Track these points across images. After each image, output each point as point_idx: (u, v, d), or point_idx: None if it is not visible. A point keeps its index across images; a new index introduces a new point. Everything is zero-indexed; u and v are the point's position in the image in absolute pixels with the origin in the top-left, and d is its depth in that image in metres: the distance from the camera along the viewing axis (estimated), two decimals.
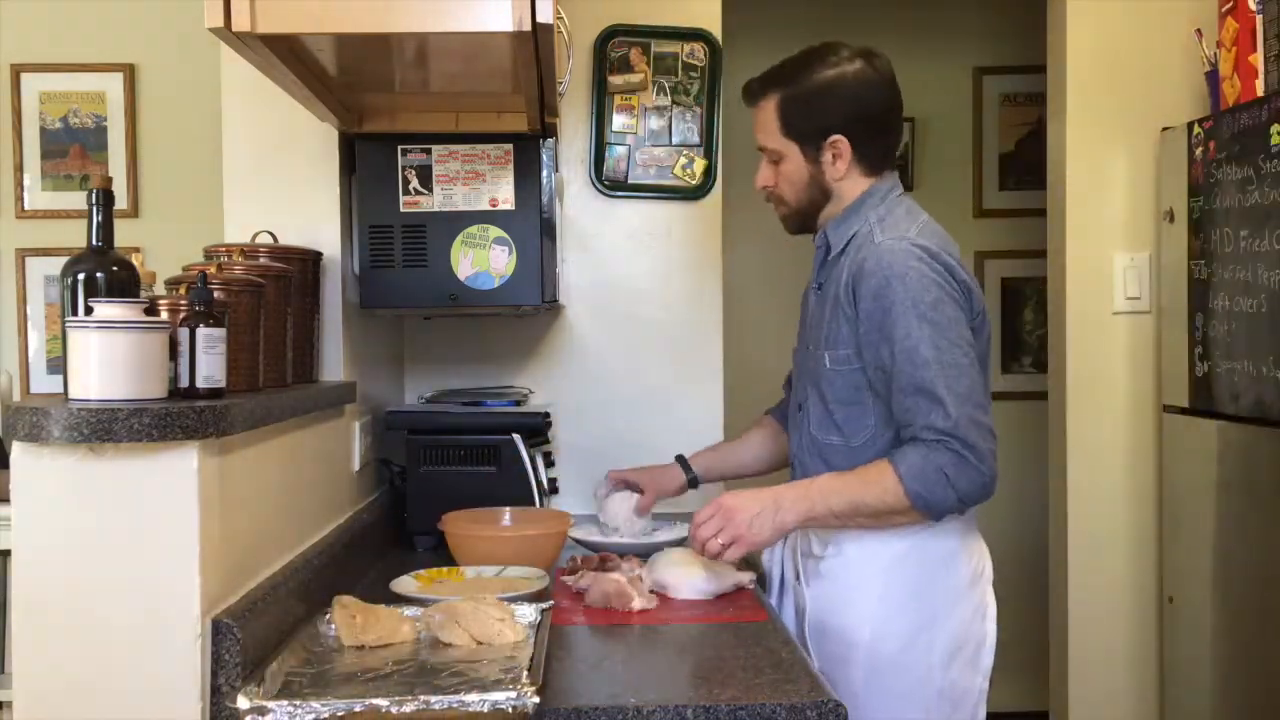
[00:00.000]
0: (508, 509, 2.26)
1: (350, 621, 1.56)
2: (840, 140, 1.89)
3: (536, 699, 1.30)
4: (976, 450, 1.74)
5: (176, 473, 1.37)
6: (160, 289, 1.70)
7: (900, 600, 1.84)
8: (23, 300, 3.51)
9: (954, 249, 1.88)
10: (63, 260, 1.56)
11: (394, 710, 1.27)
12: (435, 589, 1.86)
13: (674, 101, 2.84)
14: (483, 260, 2.24)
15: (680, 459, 2.35)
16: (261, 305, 1.72)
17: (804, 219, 1.99)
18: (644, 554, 2.24)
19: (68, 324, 1.43)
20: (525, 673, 1.39)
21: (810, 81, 1.90)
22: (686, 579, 1.97)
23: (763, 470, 2.34)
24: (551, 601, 1.72)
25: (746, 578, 2.03)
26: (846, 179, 1.92)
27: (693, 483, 2.34)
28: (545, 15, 1.51)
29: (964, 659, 1.85)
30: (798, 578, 1.98)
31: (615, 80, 2.83)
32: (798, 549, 1.99)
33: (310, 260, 2.03)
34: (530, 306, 2.32)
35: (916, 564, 1.84)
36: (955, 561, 1.87)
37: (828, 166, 1.91)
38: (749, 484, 2.01)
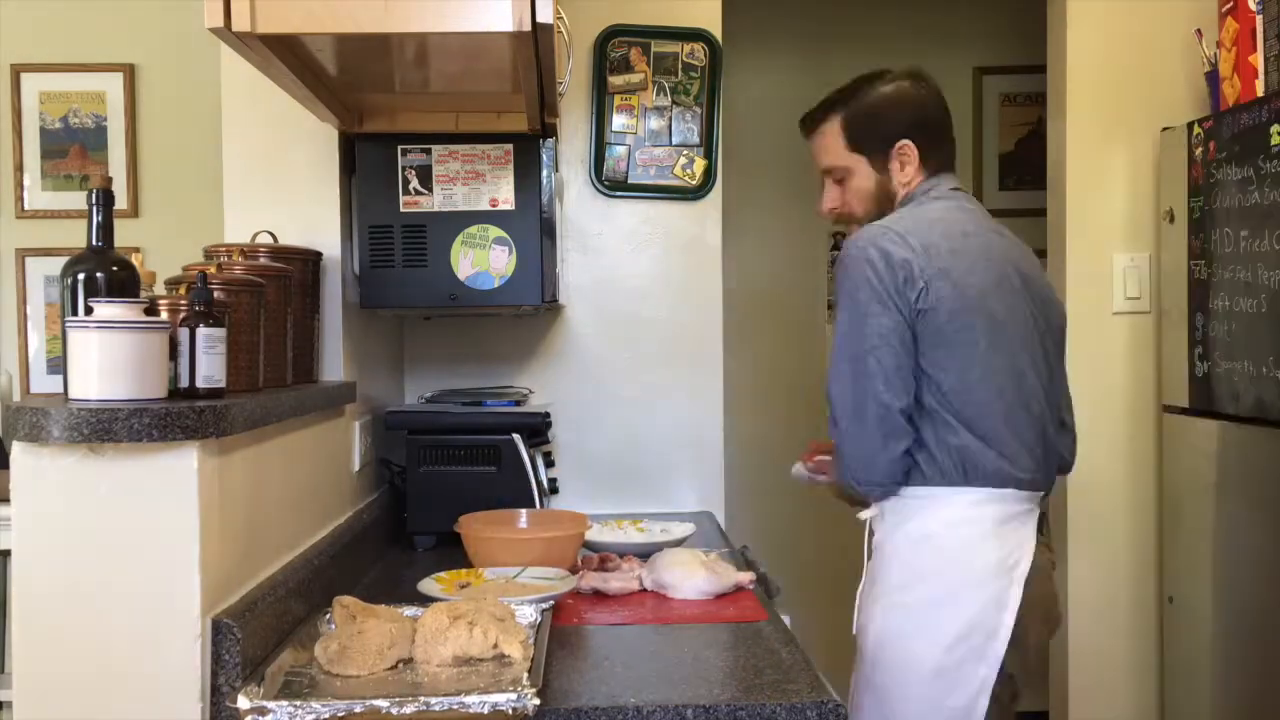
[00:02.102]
0: (523, 511, 2.25)
1: (331, 650, 1.54)
2: (907, 145, 1.98)
3: (537, 700, 1.30)
4: (849, 438, 1.89)
5: (176, 473, 1.37)
6: (160, 289, 1.70)
7: (919, 575, 1.88)
8: (23, 300, 3.51)
9: (933, 230, 1.89)
10: (63, 260, 1.56)
11: (394, 711, 1.27)
12: (459, 594, 1.85)
13: (674, 101, 2.84)
14: (483, 260, 2.24)
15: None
16: (261, 305, 1.72)
17: None
18: (644, 554, 2.24)
19: (68, 324, 1.43)
20: (525, 674, 1.39)
21: (869, 98, 2.00)
22: (687, 579, 1.97)
23: None
24: (552, 601, 1.72)
25: (746, 578, 2.03)
26: (913, 183, 2.00)
27: None
28: (545, 15, 1.52)
29: (970, 645, 1.85)
30: (869, 556, 2.03)
31: (615, 80, 2.84)
32: (866, 530, 2.05)
33: (310, 260, 2.03)
34: (530, 306, 2.32)
35: (942, 546, 1.89)
36: (983, 547, 1.88)
37: (895, 174, 2.00)
38: None
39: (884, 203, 2.02)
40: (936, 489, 1.89)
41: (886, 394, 1.85)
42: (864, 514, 2.00)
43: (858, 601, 2.01)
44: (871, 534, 2.01)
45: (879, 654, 1.88)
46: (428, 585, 1.88)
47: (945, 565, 1.88)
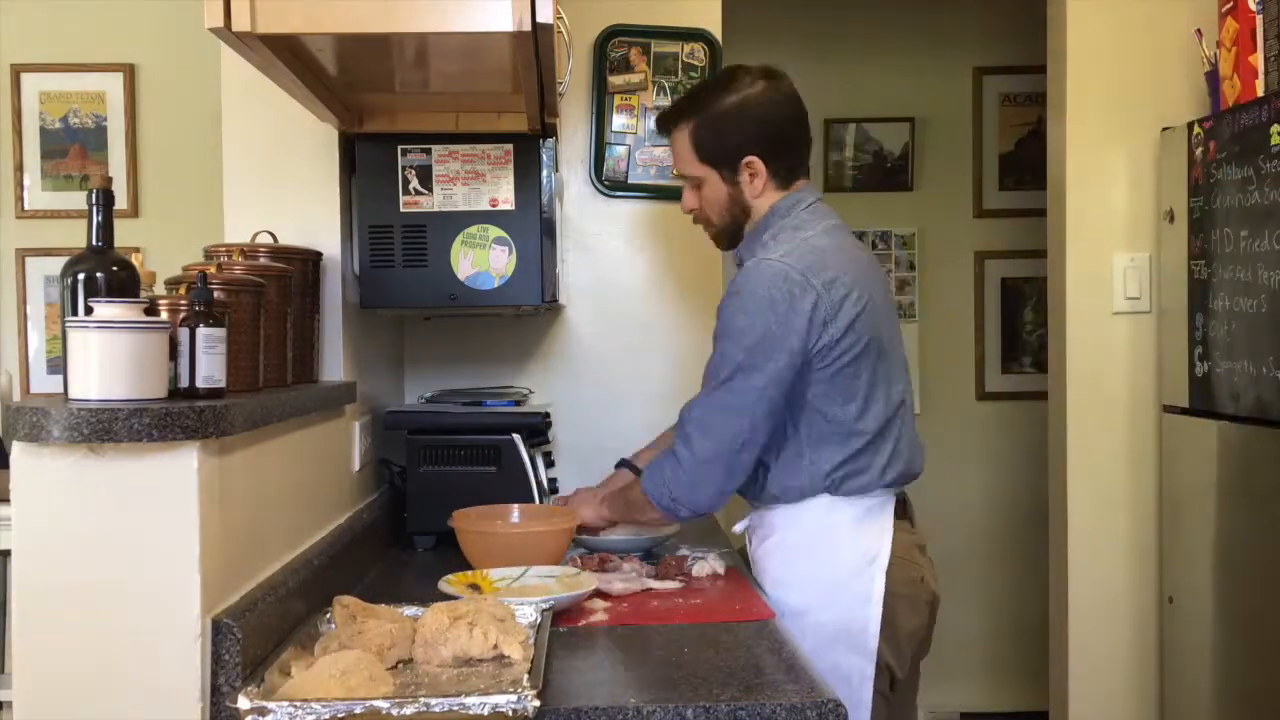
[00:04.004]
0: (515, 506, 2.25)
1: (331, 650, 1.52)
2: (754, 160, 1.99)
3: (537, 702, 1.29)
4: (682, 459, 1.94)
5: (176, 473, 1.37)
6: (160, 289, 1.70)
7: (787, 584, 1.96)
8: (23, 300, 3.52)
9: (830, 261, 1.91)
10: (63, 260, 1.56)
11: (394, 712, 1.27)
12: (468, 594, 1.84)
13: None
14: (483, 260, 2.24)
15: (624, 463, 2.39)
16: (261, 305, 1.72)
17: (732, 236, 2.10)
18: (644, 553, 2.24)
19: (68, 324, 1.43)
20: (526, 675, 1.39)
21: (717, 108, 2.00)
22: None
23: None
24: (552, 602, 1.72)
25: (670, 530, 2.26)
26: (764, 195, 2.02)
27: None
28: (545, 15, 1.51)
29: (846, 643, 1.90)
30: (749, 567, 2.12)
31: (615, 80, 2.83)
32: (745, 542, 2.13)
33: (310, 260, 2.03)
34: (530, 306, 2.32)
35: (807, 551, 1.96)
36: (842, 548, 1.94)
37: (745, 186, 2.02)
38: None
39: (738, 213, 2.05)
40: (797, 502, 1.97)
41: (753, 439, 1.90)
42: (737, 527, 2.11)
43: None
44: (747, 545, 2.10)
45: None
46: (444, 586, 1.87)
47: (810, 570, 1.95)
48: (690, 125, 2.02)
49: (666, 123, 2.07)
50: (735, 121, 1.99)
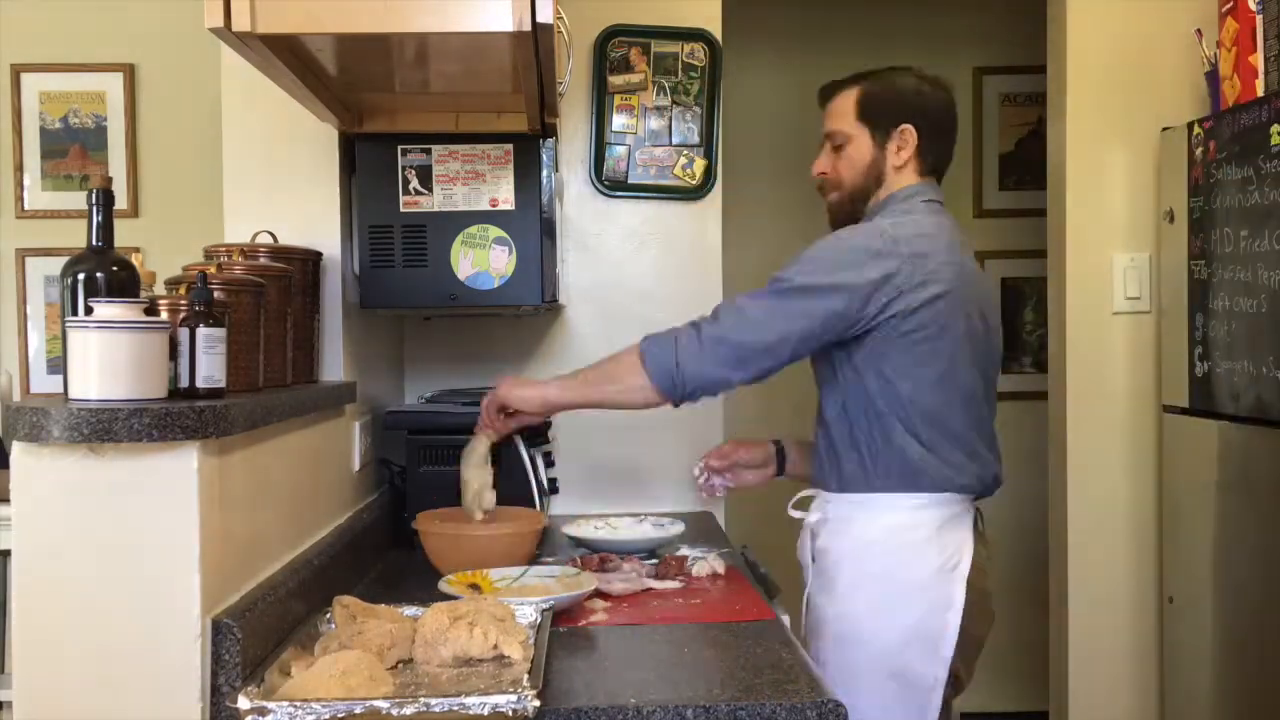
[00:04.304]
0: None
1: (331, 650, 1.51)
2: (909, 130, 2.03)
3: (537, 702, 1.29)
4: (703, 331, 1.92)
5: (176, 473, 1.37)
6: (160, 289, 1.70)
7: (865, 582, 1.94)
8: (23, 300, 3.51)
9: (927, 240, 1.94)
10: (63, 260, 1.56)
11: (394, 712, 1.27)
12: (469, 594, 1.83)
13: (674, 101, 2.84)
14: (483, 260, 2.24)
15: (778, 443, 2.34)
16: (261, 305, 1.72)
17: (854, 205, 2.09)
18: (645, 553, 2.24)
19: (68, 324, 1.43)
20: (526, 675, 1.39)
21: (891, 81, 2.08)
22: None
23: None
24: (552, 602, 1.72)
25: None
26: (904, 170, 2.05)
27: (780, 465, 2.32)
28: (545, 15, 1.51)
29: (921, 647, 1.90)
30: (813, 560, 2.07)
31: (615, 80, 2.83)
32: (808, 534, 2.07)
33: (310, 260, 2.03)
34: (530, 306, 2.32)
35: (886, 551, 1.94)
36: (925, 551, 1.93)
37: (891, 154, 2.04)
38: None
39: (871, 180, 2.06)
40: (878, 495, 1.96)
41: (776, 352, 1.91)
42: (808, 518, 2.06)
43: (804, 605, 2.05)
44: (814, 537, 2.05)
45: (830, 658, 1.93)
46: (444, 586, 1.87)
47: (890, 570, 1.93)
48: (860, 87, 2.08)
49: (834, 86, 2.12)
50: (904, 95, 2.06)
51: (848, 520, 1.99)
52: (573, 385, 2.05)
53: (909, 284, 1.89)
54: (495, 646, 1.51)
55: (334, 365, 2.16)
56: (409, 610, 1.64)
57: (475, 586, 1.88)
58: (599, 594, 1.91)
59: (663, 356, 1.93)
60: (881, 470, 1.95)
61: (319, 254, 2.08)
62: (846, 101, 2.08)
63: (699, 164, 2.85)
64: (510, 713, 1.28)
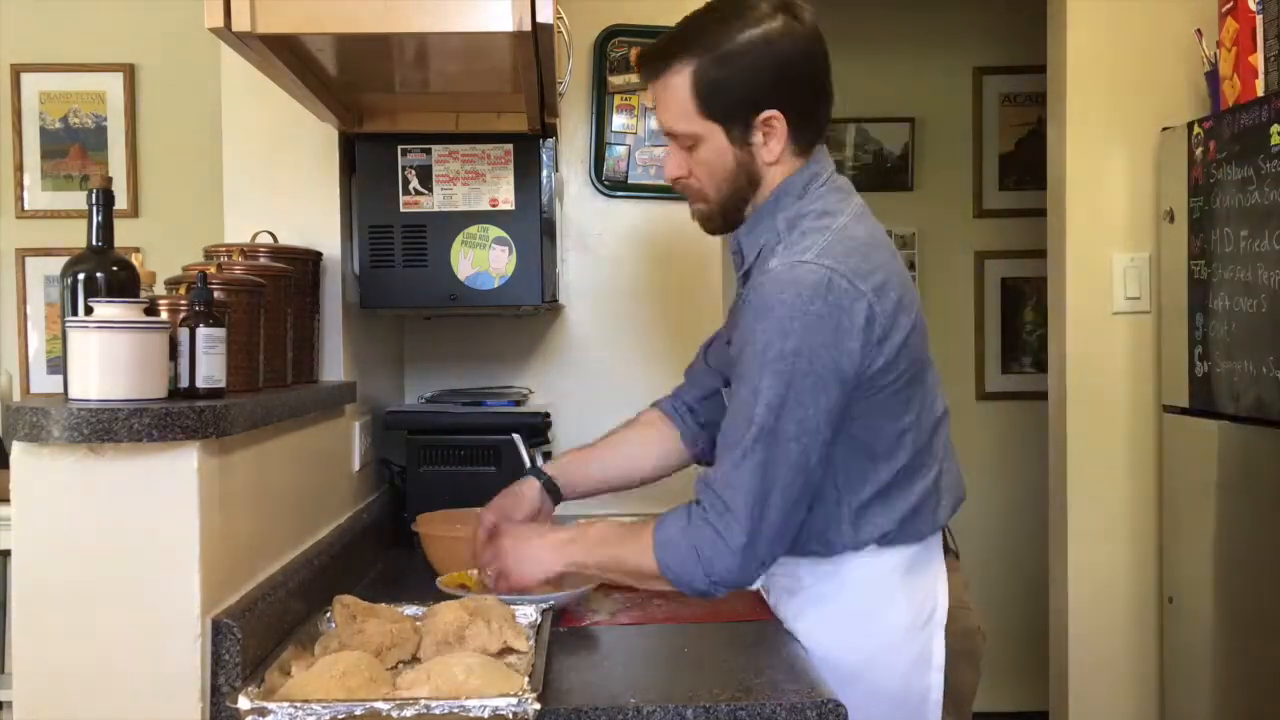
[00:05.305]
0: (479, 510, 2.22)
1: (331, 650, 1.50)
2: (775, 116, 1.56)
3: (537, 705, 1.29)
4: (728, 536, 1.50)
5: (176, 473, 1.37)
6: (160, 289, 1.70)
7: (829, 649, 1.62)
8: (23, 300, 3.51)
9: (875, 258, 1.55)
10: (63, 260, 1.56)
11: (394, 714, 1.27)
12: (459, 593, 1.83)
13: None
14: (483, 260, 2.24)
15: (534, 470, 2.00)
16: (261, 305, 1.72)
17: (728, 215, 1.66)
18: None
19: (68, 324, 1.43)
20: (526, 678, 1.38)
21: (729, 45, 1.54)
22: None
23: (652, 477, 2.03)
24: (552, 601, 1.72)
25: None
26: (781, 162, 1.60)
27: (554, 496, 1.95)
28: (545, 15, 1.51)
29: (906, 712, 1.61)
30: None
31: (615, 80, 2.83)
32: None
33: (310, 260, 2.03)
34: (530, 306, 2.32)
35: (847, 609, 1.63)
36: (893, 606, 1.62)
37: (759, 149, 1.59)
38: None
39: (743, 185, 1.61)
40: (834, 556, 1.62)
41: (807, 493, 1.53)
42: (755, 583, 1.67)
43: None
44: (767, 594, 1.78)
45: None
46: (443, 585, 1.87)
47: (854, 631, 1.62)
48: (691, 66, 1.55)
49: (655, 60, 1.59)
50: (751, 64, 1.54)
51: (797, 578, 1.67)
52: (602, 560, 1.67)
53: (886, 329, 1.52)
54: (505, 642, 1.51)
55: (334, 365, 2.16)
56: (409, 610, 1.64)
57: (464, 586, 1.87)
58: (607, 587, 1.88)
59: (691, 576, 1.54)
60: (837, 536, 1.61)
61: (319, 254, 2.08)
62: (679, 91, 1.57)
63: None
64: (511, 715, 1.28)
